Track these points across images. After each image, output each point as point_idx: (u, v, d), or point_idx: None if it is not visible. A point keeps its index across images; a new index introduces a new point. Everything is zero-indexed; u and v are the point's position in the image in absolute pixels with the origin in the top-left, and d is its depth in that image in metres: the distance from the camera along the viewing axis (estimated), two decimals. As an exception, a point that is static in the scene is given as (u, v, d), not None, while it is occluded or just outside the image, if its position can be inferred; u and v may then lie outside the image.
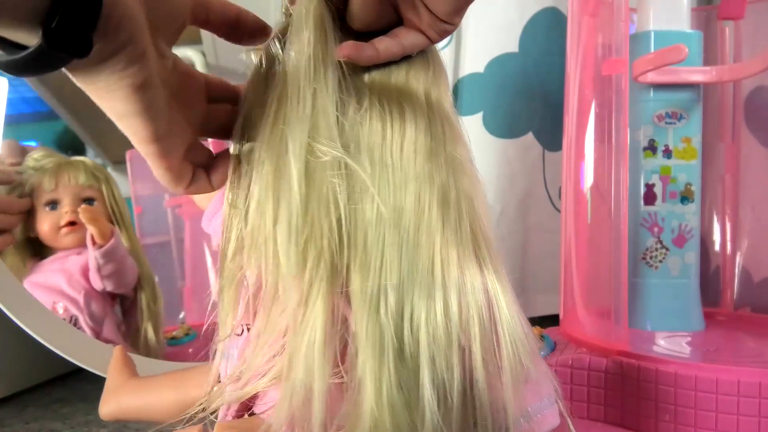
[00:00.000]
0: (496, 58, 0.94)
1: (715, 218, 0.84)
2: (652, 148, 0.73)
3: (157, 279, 0.94)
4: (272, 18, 0.37)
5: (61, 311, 0.82)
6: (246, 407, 0.39)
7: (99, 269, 0.83)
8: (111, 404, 0.53)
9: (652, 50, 0.71)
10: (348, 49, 0.33)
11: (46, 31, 0.25)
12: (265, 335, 0.34)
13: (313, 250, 0.32)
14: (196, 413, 0.38)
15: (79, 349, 0.72)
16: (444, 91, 0.38)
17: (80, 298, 0.83)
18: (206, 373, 0.47)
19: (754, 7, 0.78)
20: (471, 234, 0.35)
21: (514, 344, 0.34)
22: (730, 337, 0.72)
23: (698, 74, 0.72)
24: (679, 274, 0.73)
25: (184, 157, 0.34)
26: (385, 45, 0.35)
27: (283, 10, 0.36)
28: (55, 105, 1.05)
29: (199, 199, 0.68)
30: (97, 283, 0.84)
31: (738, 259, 0.83)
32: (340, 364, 0.32)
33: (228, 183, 0.37)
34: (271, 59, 0.35)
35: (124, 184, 1.02)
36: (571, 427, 0.38)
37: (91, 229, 0.82)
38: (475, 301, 0.33)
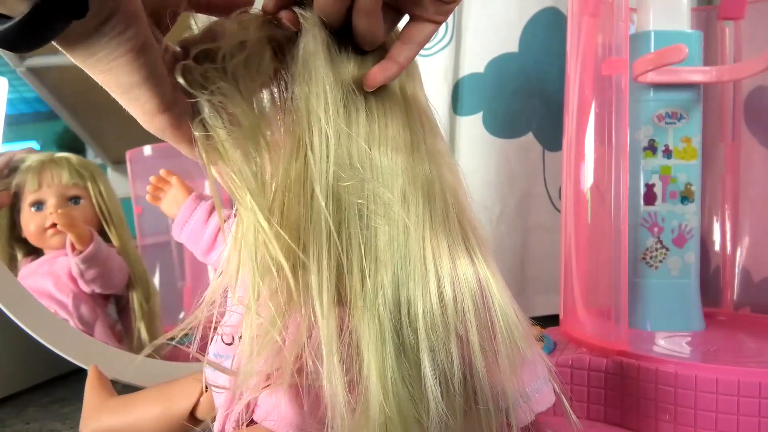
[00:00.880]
0: (496, 58, 0.94)
1: (715, 218, 0.84)
2: (652, 148, 0.73)
3: (157, 279, 0.94)
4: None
5: (50, 315, 0.80)
6: (244, 415, 0.40)
7: (82, 274, 0.81)
8: (92, 425, 0.52)
9: (652, 50, 0.71)
10: (377, 77, 0.34)
11: None
12: (263, 342, 0.34)
13: (315, 253, 0.32)
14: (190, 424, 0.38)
15: (79, 349, 0.72)
16: (418, 85, 0.38)
17: (69, 302, 0.81)
18: (191, 385, 0.47)
19: (754, 7, 0.78)
20: (458, 224, 0.35)
21: (509, 328, 0.34)
22: (730, 337, 0.72)
23: (698, 74, 0.72)
24: (679, 274, 0.73)
25: None
26: (405, 54, 0.35)
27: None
28: (55, 105, 1.05)
29: (167, 207, 0.68)
30: (84, 287, 0.82)
31: (738, 259, 0.83)
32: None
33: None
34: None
35: (124, 184, 1.02)
36: (566, 404, 0.38)
37: (69, 236, 0.80)
38: (468, 289, 0.33)
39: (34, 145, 1.04)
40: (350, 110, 0.34)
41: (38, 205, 0.84)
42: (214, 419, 0.43)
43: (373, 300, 0.31)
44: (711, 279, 0.83)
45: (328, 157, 0.33)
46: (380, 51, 0.36)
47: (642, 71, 0.68)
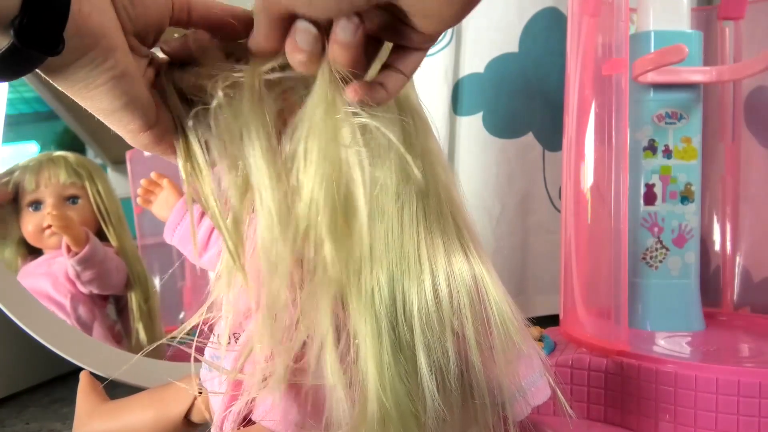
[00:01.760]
0: (496, 58, 0.94)
1: (715, 218, 0.84)
2: (652, 148, 0.73)
3: (157, 279, 0.93)
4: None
5: (47, 316, 0.80)
6: (242, 415, 0.40)
7: (78, 276, 0.80)
8: (85, 430, 0.52)
9: (652, 50, 0.71)
10: (360, 92, 0.32)
11: (17, 29, 0.25)
12: (262, 341, 0.34)
13: (310, 252, 0.32)
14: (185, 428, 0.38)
15: (79, 349, 0.72)
16: (410, 85, 0.38)
17: (67, 303, 0.80)
18: (185, 389, 0.47)
19: (754, 7, 0.78)
20: (453, 221, 0.36)
21: (504, 324, 0.35)
22: (730, 337, 0.72)
23: (698, 74, 0.72)
24: (679, 274, 0.73)
25: None
26: (393, 82, 0.33)
27: None
28: (55, 105, 1.04)
29: (158, 209, 0.68)
30: (82, 288, 0.82)
31: (738, 259, 0.83)
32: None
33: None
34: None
35: (124, 184, 1.02)
36: (561, 397, 0.38)
37: (64, 237, 0.79)
38: (464, 285, 0.34)
39: (34, 145, 1.03)
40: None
41: (36, 204, 0.83)
42: (208, 422, 0.43)
43: (368, 297, 0.32)
44: (711, 279, 0.83)
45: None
46: None
47: (642, 71, 0.68)
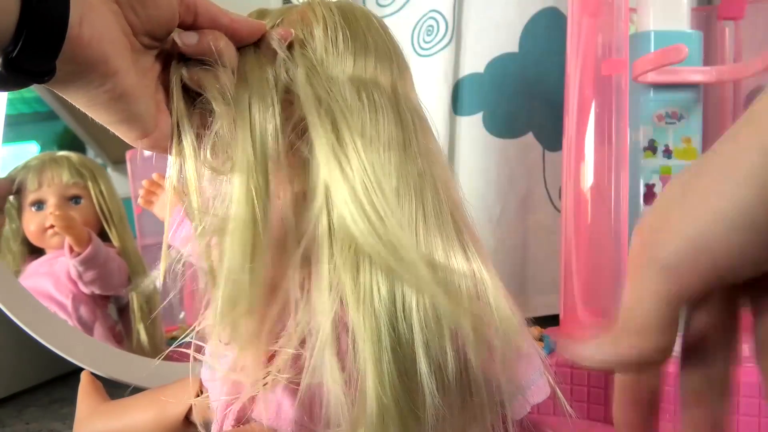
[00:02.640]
0: (496, 58, 0.94)
1: (715, 218, 0.84)
2: (652, 148, 0.73)
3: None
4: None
5: (49, 316, 0.80)
6: (242, 413, 0.40)
7: (80, 276, 0.81)
8: (85, 431, 0.52)
9: (652, 50, 0.71)
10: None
11: (6, 58, 0.25)
12: (262, 341, 0.34)
13: (311, 250, 0.32)
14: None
15: (79, 349, 0.72)
16: (410, 86, 0.39)
17: (68, 303, 0.81)
18: (185, 389, 0.47)
19: (754, 7, 0.78)
20: (452, 220, 0.36)
21: (503, 321, 0.35)
22: (730, 337, 0.72)
23: (698, 74, 0.72)
24: (679, 274, 0.73)
25: None
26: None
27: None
28: (55, 105, 1.05)
29: (160, 210, 0.68)
30: (83, 288, 0.82)
31: (738, 259, 0.82)
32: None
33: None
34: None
35: (124, 184, 1.02)
36: (560, 396, 0.38)
37: (66, 238, 0.79)
38: (463, 284, 0.34)
39: (34, 145, 1.04)
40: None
41: (39, 204, 0.84)
42: (208, 423, 0.43)
43: (367, 295, 0.32)
44: (711, 279, 0.82)
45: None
46: None
47: (642, 71, 0.68)
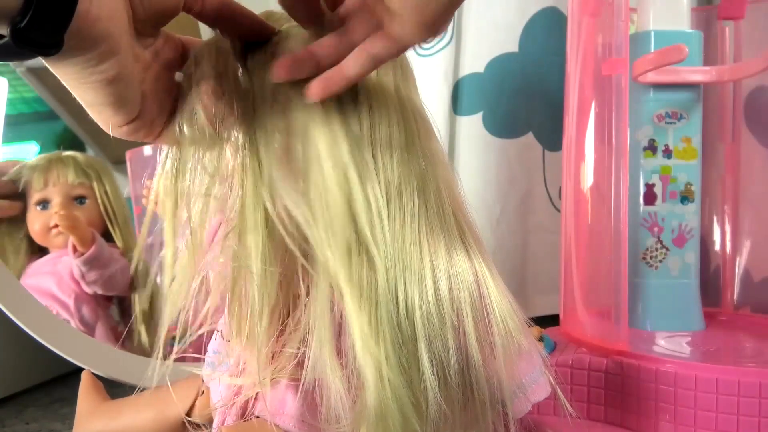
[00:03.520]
0: (496, 58, 0.94)
1: (715, 218, 0.84)
2: (652, 148, 0.73)
3: (157, 279, 0.93)
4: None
5: (52, 315, 0.80)
6: (244, 410, 0.40)
7: (83, 276, 0.81)
8: (86, 430, 0.52)
9: (652, 50, 0.71)
10: (316, 93, 0.32)
11: (13, 29, 0.24)
12: (263, 338, 0.34)
13: (313, 245, 0.32)
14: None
15: (79, 349, 0.72)
16: (413, 87, 0.39)
17: (71, 302, 0.81)
18: (186, 388, 0.47)
19: (754, 7, 0.78)
20: (454, 220, 0.36)
21: (504, 320, 0.35)
22: (730, 337, 0.72)
23: (698, 74, 0.72)
24: (679, 274, 0.73)
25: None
26: (356, 70, 0.33)
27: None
28: (55, 105, 1.04)
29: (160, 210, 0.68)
30: (86, 288, 0.82)
31: (738, 259, 0.82)
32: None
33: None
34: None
35: (124, 184, 1.02)
36: (561, 396, 0.39)
37: (70, 237, 0.79)
38: (465, 281, 0.34)
39: (34, 145, 1.03)
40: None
41: (43, 203, 0.84)
42: (210, 422, 0.43)
43: (369, 293, 0.32)
44: (711, 279, 0.83)
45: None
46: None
47: (642, 71, 0.68)
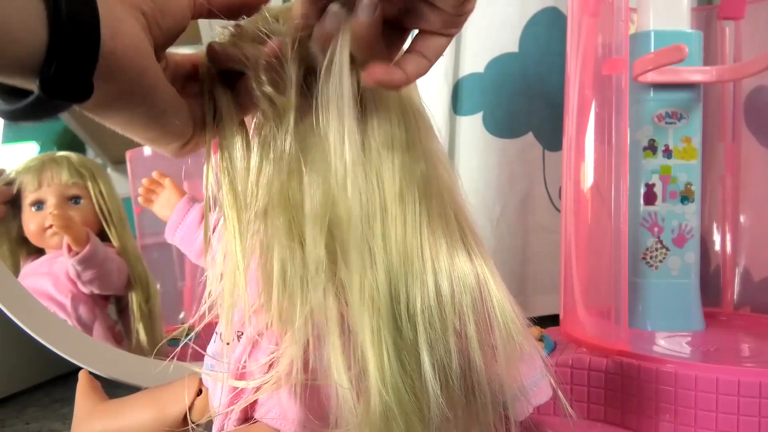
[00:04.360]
0: (496, 58, 0.94)
1: (715, 218, 0.84)
2: (652, 148, 0.73)
3: (157, 280, 0.93)
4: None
5: (48, 315, 0.80)
6: (246, 414, 0.40)
7: (79, 276, 0.81)
8: (84, 430, 0.52)
9: (652, 50, 0.71)
10: (378, 74, 0.31)
11: (42, 80, 0.24)
12: (265, 341, 0.34)
13: (315, 249, 0.32)
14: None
15: (79, 349, 0.72)
16: (413, 87, 0.39)
17: (67, 302, 0.81)
18: (184, 388, 0.47)
19: (754, 7, 0.78)
20: (456, 221, 0.36)
21: (506, 324, 0.35)
22: (730, 337, 0.72)
23: (698, 74, 0.72)
24: (679, 274, 0.73)
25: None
26: (413, 66, 0.33)
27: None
28: (55, 105, 1.05)
29: (160, 209, 0.68)
30: (82, 288, 0.82)
31: (738, 259, 0.83)
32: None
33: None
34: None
35: (124, 184, 1.02)
36: (561, 397, 0.38)
37: (65, 237, 0.79)
38: (466, 285, 0.34)
39: (34, 145, 1.03)
40: None
41: (38, 204, 0.84)
42: (209, 422, 0.43)
43: (371, 296, 0.32)
44: (711, 279, 0.83)
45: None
46: None
47: (642, 71, 0.68)
